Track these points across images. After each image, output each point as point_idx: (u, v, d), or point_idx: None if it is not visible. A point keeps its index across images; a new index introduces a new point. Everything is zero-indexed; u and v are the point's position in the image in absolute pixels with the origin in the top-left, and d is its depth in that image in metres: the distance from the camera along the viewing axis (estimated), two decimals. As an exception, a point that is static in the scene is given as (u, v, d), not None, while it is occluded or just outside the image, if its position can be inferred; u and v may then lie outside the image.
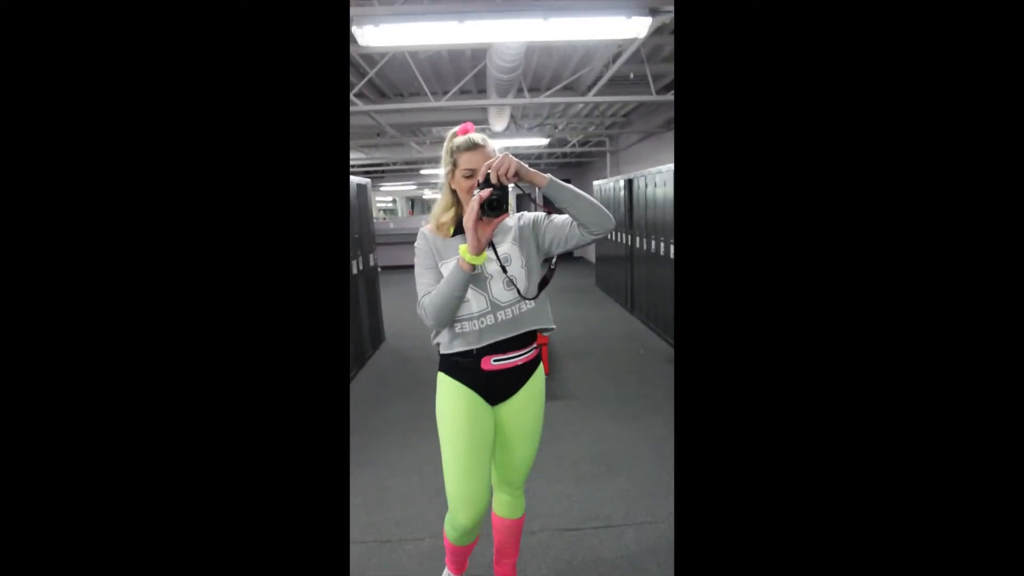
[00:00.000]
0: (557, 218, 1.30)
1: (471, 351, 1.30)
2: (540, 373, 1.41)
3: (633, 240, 5.35)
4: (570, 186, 1.22)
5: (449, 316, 1.26)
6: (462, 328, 1.29)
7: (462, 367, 1.32)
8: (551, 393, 3.35)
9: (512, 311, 1.29)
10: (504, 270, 1.27)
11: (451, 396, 1.33)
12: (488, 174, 1.17)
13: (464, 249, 1.19)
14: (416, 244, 1.33)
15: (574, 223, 1.25)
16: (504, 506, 1.50)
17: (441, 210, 1.33)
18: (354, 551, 1.88)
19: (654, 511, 2.06)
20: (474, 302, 1.28)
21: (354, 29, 2.35)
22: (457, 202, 1.31)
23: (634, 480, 2.29)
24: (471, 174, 1.24)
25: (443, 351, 1.34)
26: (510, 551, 1.57)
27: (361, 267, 4.12)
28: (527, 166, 1.18)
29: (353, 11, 2.26)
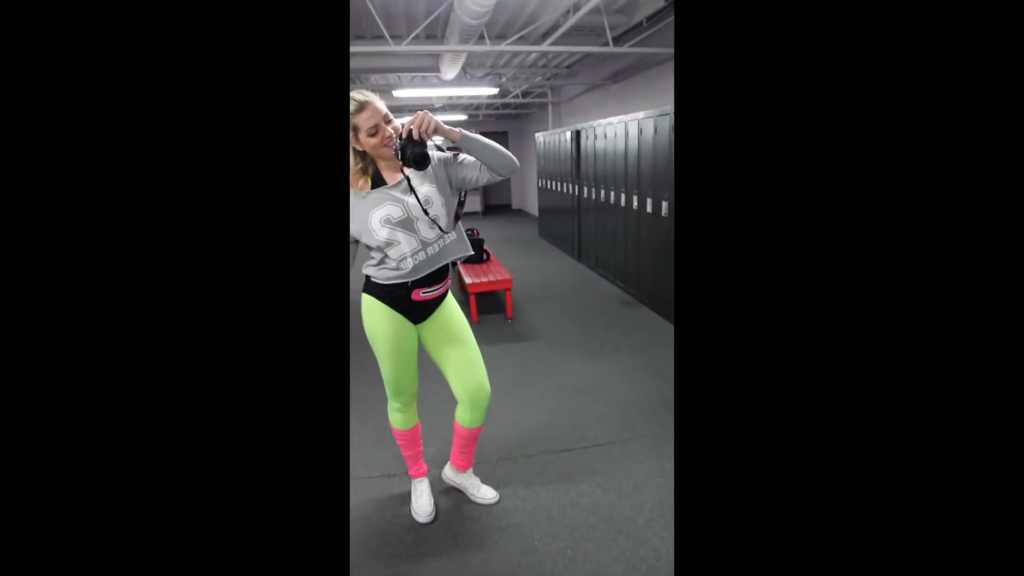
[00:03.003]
0: (467, 159, 1.47)
1: (406, 283, 1.49)
2: (451, 296, 1.67)
3: (580, 190, 5.52)
4: (479, 137, 1.41)
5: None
6: (397, 266, 1.46)
7: (394, 296, 1.51)
8: (521, 336, 3.54)
9: (438, 245, 1.49)
10: (426, 212, 1.44)
11: (380, 318, 1.54)
12: (411, 131, 1.31)
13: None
14: None
15: (483, 166, 1.42)
16: (464, 418, 1.71)
17: (351, 171, 1.43)
18: (377, 483, 2.00)
19: (635, 428, 2.31)
20: (406, 243, 1.44)
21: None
22: (365, 160, 1.44)
23: (612, 405, 2.53)
24: (375, 131, 1.37)
25: (374, 279, 1.52)
26: (466, 452, 1.83)
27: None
28: (442, 123, 1.35)
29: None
